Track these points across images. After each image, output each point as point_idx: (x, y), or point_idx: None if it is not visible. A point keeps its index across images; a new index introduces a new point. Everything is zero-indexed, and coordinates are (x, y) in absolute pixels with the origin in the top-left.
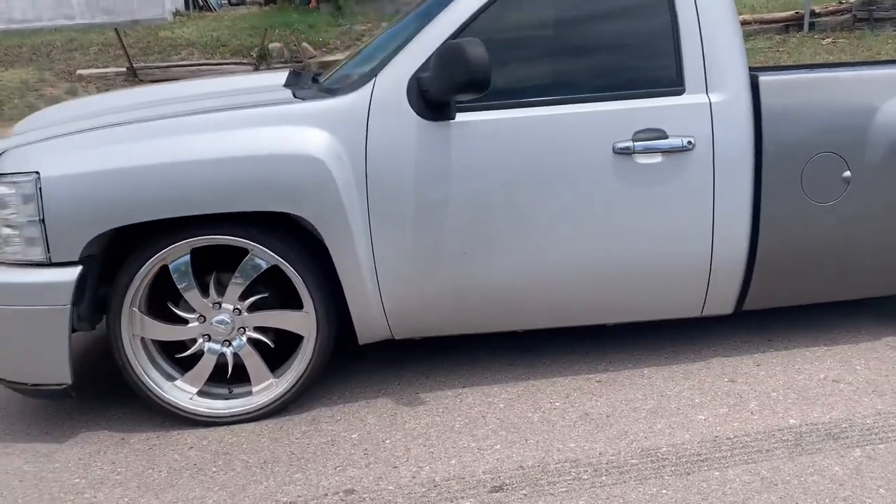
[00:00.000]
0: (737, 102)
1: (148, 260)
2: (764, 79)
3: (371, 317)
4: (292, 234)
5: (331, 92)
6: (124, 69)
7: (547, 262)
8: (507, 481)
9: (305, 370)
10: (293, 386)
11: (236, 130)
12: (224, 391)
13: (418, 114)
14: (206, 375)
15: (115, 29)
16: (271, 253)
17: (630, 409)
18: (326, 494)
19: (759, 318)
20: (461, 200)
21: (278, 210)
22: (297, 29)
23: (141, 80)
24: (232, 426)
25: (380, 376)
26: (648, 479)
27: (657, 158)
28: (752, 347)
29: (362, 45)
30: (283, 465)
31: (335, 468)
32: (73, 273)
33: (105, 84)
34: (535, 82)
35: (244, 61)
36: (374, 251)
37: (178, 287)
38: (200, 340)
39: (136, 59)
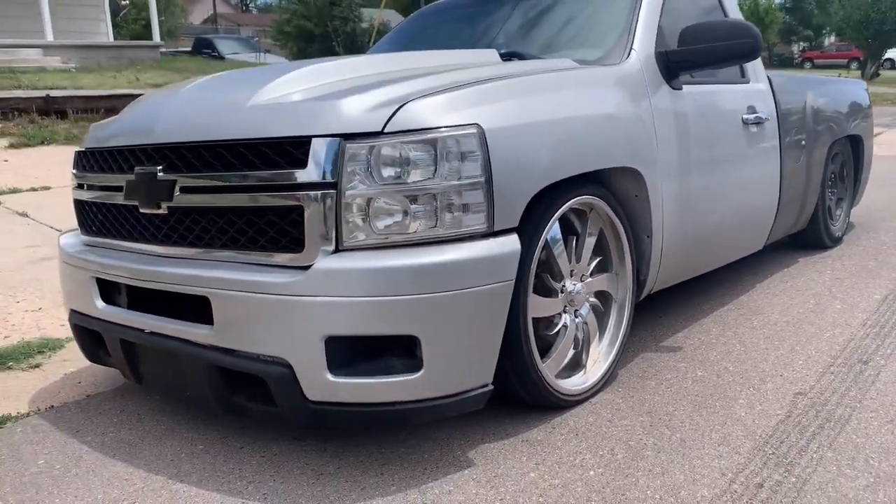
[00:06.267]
0: (768, 92)
1: (547, 224)
2: (774, 77)
3: (655, 269)
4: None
5: (590, 62)
6: None
7: (721, 213)
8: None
9: (626, 332)
10: (619, 352)
11: (590, 90)
12: None
13: (667, 82)
14: (568, 353)
15: None
16: (612, 212)
17: (807, 311)
18: (795, 400)
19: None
20: (695, 155)
21: (628, 165)
22: None
23: None
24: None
25: None
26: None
27: (754, 128)
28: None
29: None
30: (717, 407)
31: (753, 388)
32: (515, 242)
33: None
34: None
35: None
36: (663, 204)
37: (555, 254)
38: (564, 315)
39: None
